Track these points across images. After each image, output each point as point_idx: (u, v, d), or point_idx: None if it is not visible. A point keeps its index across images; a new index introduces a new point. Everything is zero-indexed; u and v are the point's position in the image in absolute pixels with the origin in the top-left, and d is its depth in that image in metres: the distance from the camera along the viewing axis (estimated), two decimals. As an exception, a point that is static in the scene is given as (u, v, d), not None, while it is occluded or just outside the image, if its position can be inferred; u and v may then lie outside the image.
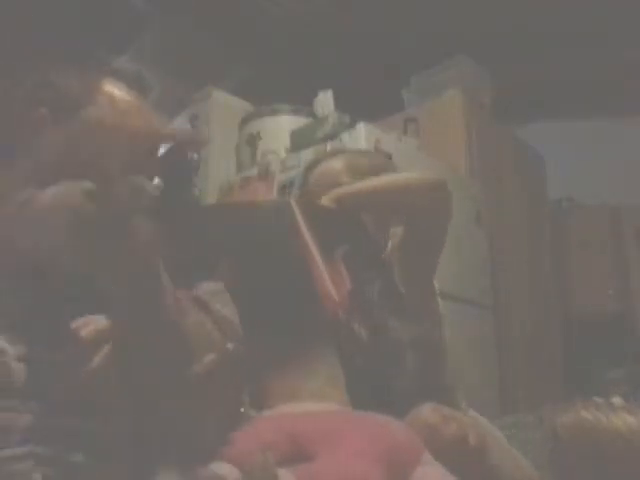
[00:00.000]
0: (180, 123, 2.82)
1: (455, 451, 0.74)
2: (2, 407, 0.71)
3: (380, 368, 1.24)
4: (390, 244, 1.30)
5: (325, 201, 1.00)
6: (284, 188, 2.30)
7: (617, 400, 0.91)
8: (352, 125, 2.37)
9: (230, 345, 0.72)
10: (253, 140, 2.71)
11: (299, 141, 2.54)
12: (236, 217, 0.86)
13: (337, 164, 1.30)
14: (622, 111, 3.28)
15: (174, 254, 0.82)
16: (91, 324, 0.73)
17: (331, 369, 0.79)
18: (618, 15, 2.80)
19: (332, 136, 2.41)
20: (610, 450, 0.87)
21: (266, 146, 2.66)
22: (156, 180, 0.92)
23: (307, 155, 2.48)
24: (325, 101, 2.61)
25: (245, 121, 2.78)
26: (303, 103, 2.70)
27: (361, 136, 2.29)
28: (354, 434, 0.66)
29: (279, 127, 2.68)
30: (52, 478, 0.69)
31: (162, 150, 0.90)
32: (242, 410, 0.74)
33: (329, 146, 2.38)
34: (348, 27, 2.92)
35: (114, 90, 0.89)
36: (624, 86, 3.19)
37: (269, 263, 0.81)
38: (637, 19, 2.77)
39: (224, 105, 2.85)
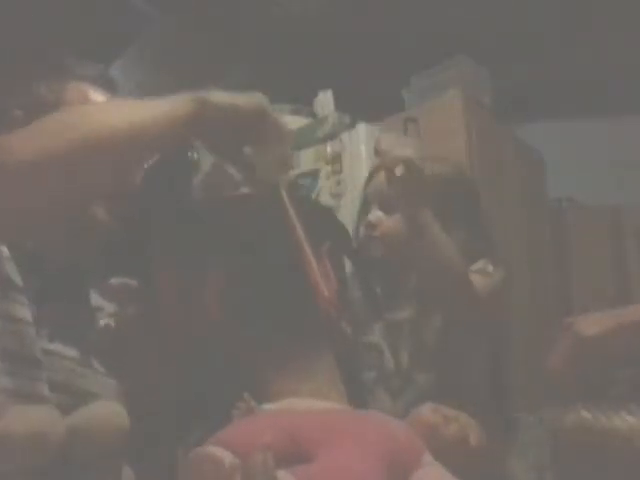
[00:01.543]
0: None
1: (456, 452, 0.74)
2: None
3: (360, 367, 1.26)
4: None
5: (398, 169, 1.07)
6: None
7: (617, 400, 0.91)
8: (352, 125, 2.38)
9: (130, 309, 0.86)
10: (253, 140, 2.71)
11: (299, 141, 2.54)
12: (229, 209, 0.86)
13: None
14: (622, 111, 3.28)
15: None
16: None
17: (329, 368, 0.79)
18: (618, 15, 2.80)
19: (332, 136, 2.41)
20: (610, 450, 0.87)
21: (266, 146, 2.66)
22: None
23: (307, 155, 2.48)
24: (325, 101, 2.61)
25: (245, 121, 2.78)
26: (303, 103, 2.70)
27: (361, 136, 2.29)
28: (355, 434, 0.66)
29: (279, 127, 2.67)
30: None
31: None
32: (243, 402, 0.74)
33: (329, 146, 2.38)
34: (348, 27, 2.92)
35: (83, 92, 1.00)
36: (624, 86, 3.19)
37: (263, 257, 0.81)
38: (637, 19, 2.77)
39: (224, 105, 2.84)
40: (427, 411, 0.77)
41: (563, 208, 3.24)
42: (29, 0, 2.54)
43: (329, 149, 2.38)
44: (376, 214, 1.35)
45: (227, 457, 0.60)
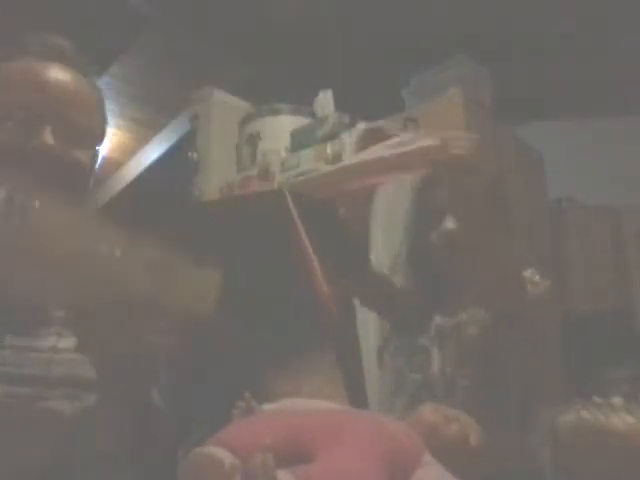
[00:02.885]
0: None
1: (456, 451, 0.74)
2: None
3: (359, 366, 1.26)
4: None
5: None
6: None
7: (617, 400, 0.91)
8: (352, 125, 2.38)
9: None
10: (253, 140, 2.71)
11: (299, 141, 2.55)
12: (232, 210, 0.86)
13: None
14: (622, 111, 3.28)
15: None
16: None
17: (330, 368, 0.79)
18: (618, 15, 2.80)
19: (332, 136, 2.41)
20: (610, 450, 0.87)
21: (266, 146, 2.66)
22: None
23: (307, 155, 2.48)
24: (325, 101, 2.62)
25: (245, 121, 2.78)
26: (303, 103, 2.70)
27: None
28: (355, 434, 0.66)
29: (279, 127, 2.68)
30: None
31: None
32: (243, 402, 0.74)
33: (329, 146, 2.38)
34: (348, 27, 2.92)
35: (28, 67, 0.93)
36: (624, 86, 3.19)
37: (264, 256, 0.81)
38: (637, 19, 2.77)
39: (224, 105, 2.85)
40: (428, 411, 0.77)
41: (563, 208, 3.24)
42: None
43: (329, 149, 2.38)
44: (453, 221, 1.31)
45: (227, 457, 0.60)
